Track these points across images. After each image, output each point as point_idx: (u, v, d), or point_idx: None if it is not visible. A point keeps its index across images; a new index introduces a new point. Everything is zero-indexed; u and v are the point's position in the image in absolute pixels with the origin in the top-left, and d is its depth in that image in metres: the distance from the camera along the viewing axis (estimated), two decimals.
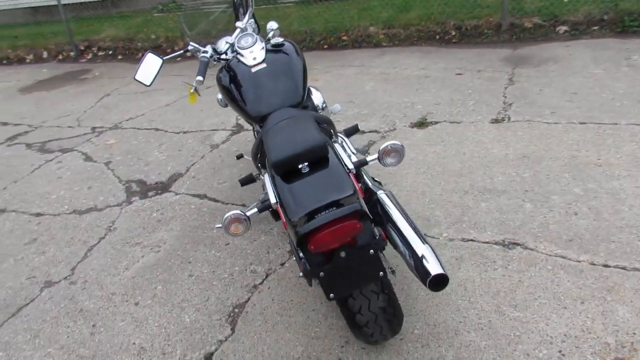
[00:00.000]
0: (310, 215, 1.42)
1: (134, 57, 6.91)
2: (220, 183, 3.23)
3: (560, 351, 1.77)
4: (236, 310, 2.19)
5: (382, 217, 1.90)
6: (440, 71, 4.63)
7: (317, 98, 2.54)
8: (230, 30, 2.66)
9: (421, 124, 3.61)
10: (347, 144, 2.39)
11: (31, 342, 2.19)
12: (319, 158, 1.58)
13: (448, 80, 4.38)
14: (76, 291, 2.45)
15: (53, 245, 2.84)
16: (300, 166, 1.57)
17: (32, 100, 5.61)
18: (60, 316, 2.31)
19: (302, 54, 2.63)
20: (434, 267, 1.60)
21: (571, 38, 5.00)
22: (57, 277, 2.58)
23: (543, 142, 3.09)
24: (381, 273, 1.46)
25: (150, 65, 2.28)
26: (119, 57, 7.08)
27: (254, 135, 2.83)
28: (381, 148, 1.63)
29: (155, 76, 2.29)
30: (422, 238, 1.72)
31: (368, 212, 1.54)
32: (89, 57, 7.18)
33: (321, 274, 1.44)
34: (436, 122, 3.60)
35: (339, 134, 2.47)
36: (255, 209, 1.67)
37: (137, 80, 2.26)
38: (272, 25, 2.81)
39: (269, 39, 2.55)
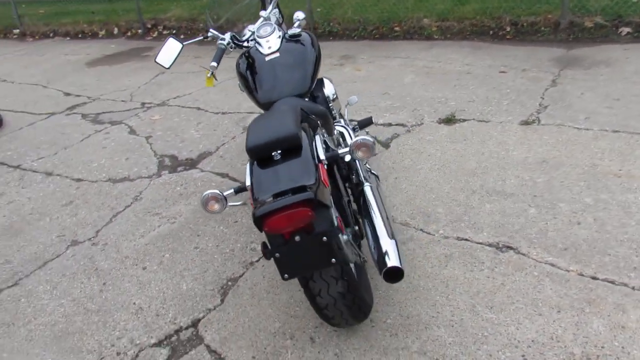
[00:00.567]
0: (267, 200, 1.53)
1: (194, 37, 7.21)
2: (244, 164, 3.39)
3: (523, 356, 1.78)
4: (229, 283, 2.35)
5: (361, 209, 1.98)
6: (484, 68, 4.54)
7: (328, 89, 2.62)
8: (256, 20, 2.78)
9: (449, 120, 3.59)
10: (348, 134, 2.46)
11: (49, 292, 2.45)
12: (291, 147, 1.67)
13: (489, 77, 4.29)
14: (96, 252, 2.70)
15: (85, 209, 3.12)
16: (273, 153, 1.67)
17: (96, 73, 6.04)
18: (78, 272, 2.56)
19: (319, 46, 2.70)
20: (391, 261, 1.66)
21: (633, 41, 4.72)
22: (82, 238, 2.84)
23: (567, 148, 3.00)
24: (333, 260, 1.54)
25: (170, 49, 2.44)
26: (182, 36, 7.41)
27: None
28: (352, 142, 1.70)
29: (175, 60, 2.46)
30: (391, 233, 1.78)
31: (329, 201, 1.61)
32: (154, 35, 7.58)
33: (277, 254, 1.55)
34: (464, 120, 3.56)
35: (344, 125, 2.54)
36: (232, 190, 1.79)
37: (157, 63, 2.43)
38: (299, 15, 2.90)
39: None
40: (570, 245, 2.24)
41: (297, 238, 1.53)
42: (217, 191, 1.73)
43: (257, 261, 2.46)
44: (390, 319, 2.02)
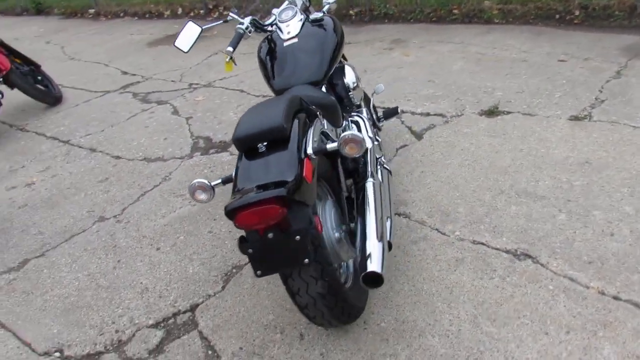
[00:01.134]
0: (245, 193, 1.48)
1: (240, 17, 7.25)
2: None
3: None
4: (234, 270, 2.34)
5: (358, 206, 1.89)
6: (541, 56, 4.21)
7: (349, 77, 2.51)
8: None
9: (491, 112, 3.36)
10: (364, 125, 2.36)
11: (69, 265, 2.57)
12: (277, 139, 1.61)
13: (546, 66, 3.97)
14: (118, 229, 2.79)
15: (117, 186, 3.23)
16: (259, 145, 1.62)
17: (154, 53, 6.23)
18: (98, 248, 2.66)
19: (341, 31, 2.60)
20: (373, 265, 1.57)
21: None
22: (109, 214, 2.95)
23: (617, 149, 2.71)
24: (306, 260, 1.48)
25: (189, 33, 2.44)
26: (242, 16, 7.47)
27: None
28: (341, 136, 1.60)
29: (194, 43, 2.45)
30: (380, 236, 1.69)
31: (309, 199, 1.54)
32: (214, 16, 7.69)
33: (250, 250, 1.50)
34: (508, 112, 3.32)
35: (361, 115, 2.43)
36: (220, 180, 1.76)
37: (176, 47, 2.44)
38: None
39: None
40: (596, 259, 2.03)
41: (270, 235, 1.48)
42: (205, 180, 1.71)
43: None
44: (385, 322, 1.93)
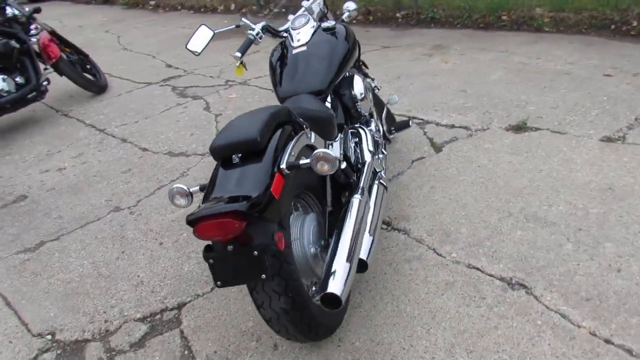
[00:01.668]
0: (211, 203, 1.49)
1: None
2: None
3: None
4: None
5: (338, 221, 1.85)
6: (587, 68, 3.97)
7: (357, 88, 2.45)
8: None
9: (519, 128, 3.21)
10: (365, 138, 2.31)
11: (78, 252, 2.68)
12: (252, 151, 1.60)
13: (589, 80, 3.74)
14: (129, 221, 2.89)
15: (137, 178, 3.34)
16: (233, 156, 1.62)
17: None
18: (107, 238, 2.76)
19: (354, 40, 2.56)
20: (333, 286, 1.54)
21: None
22: (124, 205, 3.06)
23: None
24: (263, 276, 1.46)
25: (201, 36, 2.48)
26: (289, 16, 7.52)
27: None
28: (313, 153, 1.57)
29: (206, 46, 2.49)
30: (350, 257, 1.65)
31: (274, 214, 1.52)
32: (265, 13, 7.78)
33: (211, 260, 1.51)
34: (536, 129, 3.16)
35: (363, 128, 2.39)
36: (198, 187, 1.77)
37: (188, 49, 2.48)
38: (349, 5, 2.77)
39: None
40: (595, 296, 1.89)
41: (229, 247, 1.48)
42: (184, 186, 1.73)
43: None
44: (360, 341, 1.88)
